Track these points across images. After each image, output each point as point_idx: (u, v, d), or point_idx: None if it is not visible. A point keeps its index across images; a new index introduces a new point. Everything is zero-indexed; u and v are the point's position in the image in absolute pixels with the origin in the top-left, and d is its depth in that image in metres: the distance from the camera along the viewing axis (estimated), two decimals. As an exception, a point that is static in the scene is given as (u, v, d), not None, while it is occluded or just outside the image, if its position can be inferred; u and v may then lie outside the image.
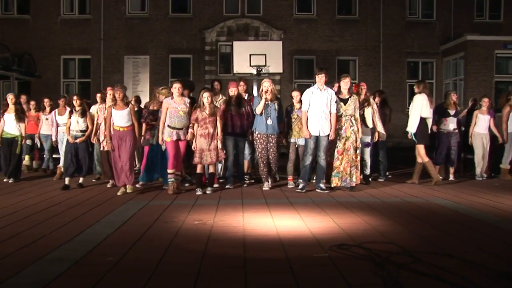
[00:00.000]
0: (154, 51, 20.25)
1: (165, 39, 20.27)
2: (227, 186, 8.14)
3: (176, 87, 7.65)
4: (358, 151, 7.93)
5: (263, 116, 7.97)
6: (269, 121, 7.95)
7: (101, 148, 8.41)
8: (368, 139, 8.38)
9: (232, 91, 8.21)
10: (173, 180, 7.68)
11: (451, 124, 9.26)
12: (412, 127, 8.64)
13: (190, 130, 7.68)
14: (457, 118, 9.38)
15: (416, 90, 8.89)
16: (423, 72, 21.34)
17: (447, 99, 9.41)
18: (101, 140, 8.41)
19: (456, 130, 9.33)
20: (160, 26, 20.24)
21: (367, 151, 8.44)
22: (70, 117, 8.55)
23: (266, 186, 8.10)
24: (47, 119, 10.21)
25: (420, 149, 8.71)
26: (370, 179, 8.69)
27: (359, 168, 8.00)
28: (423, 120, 8.61)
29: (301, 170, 7.99)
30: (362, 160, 8.36)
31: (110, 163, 8.14)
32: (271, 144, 8.03)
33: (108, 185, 8.44)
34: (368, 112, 8.29)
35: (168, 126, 7.62)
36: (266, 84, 7.99)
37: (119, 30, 20.21)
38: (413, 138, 8.69)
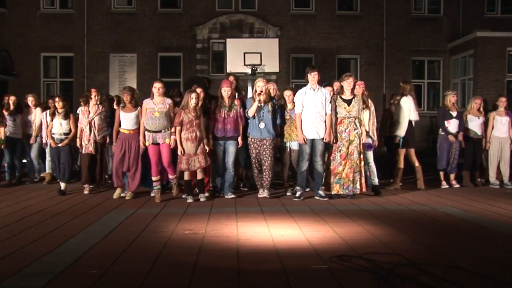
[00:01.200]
0: (142, 49, 20.23)
1: (154, 36, 20.26)
2: (228, 195, 7.97)
3: (157, 87, 7.69)
4: (362, 156, 7.94)
5: (255, 120, 7.94)
6: (262, 125, 7.90)
7: (82, 151, 8.43)
8: (369, 140, 8.26)
9: (226, 91, 8.04)
10: (159, 188, 7.68)
11: (453, 126, 9.34)
12: (402, 131, 8.80)
13: (173, 137, 7.64)
14: (459, 120, 9.43)
15: (401, 91, 8.99)
16: (429, 71, 21.39)
17: (445, 101, 9.50)
18: (83, 144, 8.42)
19: (459, 133, 9.39)
20: (148, 22, 20.24)
21: (370, 154, 8.34)
22: (52, 120, 8.62)
23: (261, 193, 8.05)
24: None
25: (412, 153, 8.95)
26: (380, 190, 8.41)
27: (363, 174, 7.99)
28: (410, 123, 8.84)
29: (298, 176, 8.00)
30: (366, 165, 8.31)
31: (90, 167, 8.38)
32: (264, 148, 7.95)
33: (85, 191, 8.50)
34: (366, 115, 8.20)
35: (146, 129, 7.67)
36: (260, 84, 7.96)
37: (104, 26, 20.19)
38: (400, 142, 8.87)
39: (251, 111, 7.93)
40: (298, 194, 7.89)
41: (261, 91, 7.90)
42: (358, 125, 7.90)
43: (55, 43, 20.10)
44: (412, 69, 21.16)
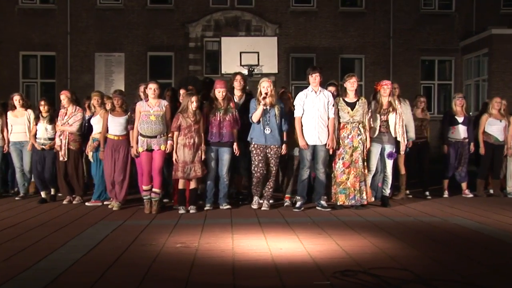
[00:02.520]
0: (130, 47, 20.25)
1: (143, 34, 20.28)
2: (206, 207, 7.91)
3: (152, 88, 7.65)
4: (366, 163, 7.96)
5: (260, 124, 7.73)
6: (267, 130, 7.71)
7: (60, 159, 8.46)
8: (391, 148, 8.14)
9: (220, 92, 7.90)
10: (149, 198, 7.68)
11: (460, 132, 9.37)
12: (413, 133, 8.87)
13: (169, 142, 7.64)
14: (467, 126, 9.45)
15: (396, 92, 9.01)
16: (439, 72, 21.43)
17: (452, 105, 9.54)
18: (60, 150, 8.47)
19: (467, 140, 9.42)
20: (136, 19, 20.27)
21: (390, 163, 8.20)
22: (36, 124, 8.75)
23: (254, 204, 7.93)
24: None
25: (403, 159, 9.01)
26: (389, 201, 8.36)
27: (368, 183, 8.00)
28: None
29: (298, 185, 7.99)
30: (384, 175, 8.26)
31: (67, 177, 8.47)
32: (270, 156, 7.78)
33: (64, 202, 8.55)
34: (392, 118, 8.08)
35: (140, 134, 7.63)
36: (265, 85, 7.71)
37: (89, 23, 20.20)
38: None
39: (255, 116, 7.70)
40: (298, 204, 7.88)
41: (267, 93, 7.66)
42: (362, 130, 7.89)
43: (35, 41, 20.10)
44: (421, 70, 21.20)
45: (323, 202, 7.89)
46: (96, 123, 8.42)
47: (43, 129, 8.64)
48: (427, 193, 9.27)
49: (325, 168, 7.90)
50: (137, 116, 7.67)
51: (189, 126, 7.60)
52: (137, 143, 7.66)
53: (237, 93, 8.46)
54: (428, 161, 9.49)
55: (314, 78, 7.83)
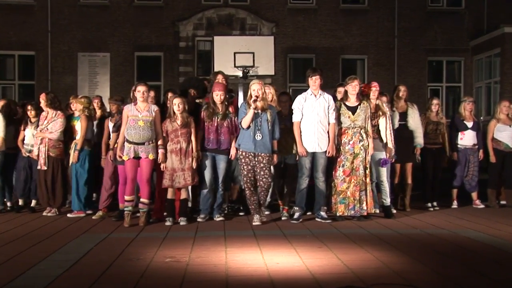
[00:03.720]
0: (116, 47, 20.26)
1: (130, 33, 20.29)
2: (199, 219, 7.88)
3: (141, 91, 7.64)
4: (368, 171, 7.97)
5: (250, 130, 7.65)
6: (258, 136, 7.60)
7: (38, 167, 8.47)
8: (383, 155, 8.25)
9: (218, 95, 7.84)
10: (130, 210, 7.66)
11: (469, 138, 9.42)
12: (421, 139, 8.95)
13: (160, 151, 7.63)
14: (477, 132, 9.50)
15: (403, 95, 9.06)
16: (448, 73, 21.46)
17: (460, 109, 9.60)
18: (36, 156, 8.49)
19: (476, 146, 9.47)
20: (123, 17, 20.28)
21: (384, 171, 8.31)
22: (24, 129, 8.84)
23: (257, 220, 7.67)
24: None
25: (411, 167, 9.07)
26: (393, 211, 8.43)
27: (370, 192, 8.03)
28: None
29: (296, 195, 8.00)
30: (379, 184, 8.34)
31: (47, 185, 8.47)
32: (261, 166, 7.63)
33: (45, 213, 8.56)
34: (382, 122, 8.22)
35: (126, 140, 7.63)
36: (256, 87, 7.59)
37: (72, 20, 20.18)
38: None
39: (245, 121, 7.59)
40: (296, 215, 7.89)
41: (257, 96, 7.61)
42: (364, 136, 7.92)
43: (13, 40, 20.06)
44: (428, 71, 21.24)
45: (323, 213, 7.90)
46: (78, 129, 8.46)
47: (31, 135, 8.73)
48: (429, 204, 9.25)
49: (325, 176, 7.90)
50: (124, 120, 7.66)
51: (175, 131, 7.62)
52: (121, 149, 7.66)
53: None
54: (441, 169, 9.45)
55: (314, 81, 7.84)
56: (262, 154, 7.65)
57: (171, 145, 7.65)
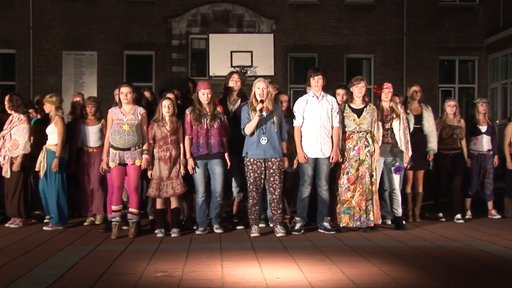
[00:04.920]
0: (104, 45, 20.26)
1: (119, 30, 20.30)
2: (198, 232, 7.79)
3: (124, 92, 7.63)
4: (374, 179, 7.97)
5: (255, 134, 7.59)
6: (264, 140, 7.55)
7: (3, 173, 8.50)
8: (398, 161, 8.21)
9: (204, 94, 7.74)
10: (118, 220, 7.65)
11: (484, 143, 9.42)
12: (435, 144, 8.91)
13: (144, 156, 7.60)
14: (492, 136, 9.51)
15: (418, 97, 9.05)
16: (461, 73, 21.46)
17: (474, 112, 9.61)
18: (0, 162, 8.50)
19: (491, 152, 9.48)
20: (111, 13, 20.29)
21: (397, 179, 8.29)
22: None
23: (255, 231, 7.66)
24: None
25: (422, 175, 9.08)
26: (403, 222, 8.38)
27: (377, 201, 8.03)
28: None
29: (297, 204, 7.99)
30: (390, 192, 8.33)
31: (10, 194, 8.44)
32: (271, 171, 7.61)
33: (11, 225, 8.48)
34: (396, 125, 8.18)
35: (111, 146, 7.63)
36: (261, 86, 7.55)
37: (56, 16, 20.19)
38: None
39: (249, 128, 7.55)
40: (298, 226, 7.88)
41: (262, 99, 7.50)
42: (370, 141, 7.93)
43: (-8, 37, 20.05)
44: (440, 71, 21.25)
45: (326, 224, 7.90)
46: (51, 133, 8.39)
47: None
48: (441, 214, 9.24)
49: (328, 184, 7.91)
50: (109, 125, 7.67)
51: (164, 137, 7.60)
52: (107, 156, 7.68)
53: (233, 96, 8.35)
54: (461, 177, 9.31)
55: (317, 81, 7.84)
56: (273, 159, 7.62)
57: (159, 152, 7.62)
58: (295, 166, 8.03)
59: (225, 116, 7.90)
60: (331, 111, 7.84)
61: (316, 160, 7.83)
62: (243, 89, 8.57)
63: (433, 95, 20.41)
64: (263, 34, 17.29)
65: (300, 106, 7.88)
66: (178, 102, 8.36)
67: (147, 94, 8.53)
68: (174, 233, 7.65)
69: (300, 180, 7.96)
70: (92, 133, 8.47)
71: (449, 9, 21.06)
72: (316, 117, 7.81)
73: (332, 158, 7.80)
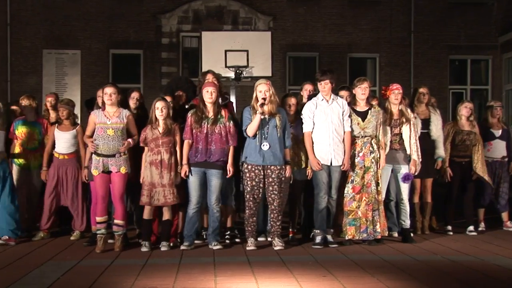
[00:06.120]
0: (88, 43, 20.24)
1: (104, 27, 20.29)
2: (183, 247, 7.65)
3: (108, 93, 7.62)
4: (380, 187, 7.98)
5: (256, 139, 7.59)
6: (265, 146, 7.53)
7: None
8: (406, 169, 8.22)
9: (209, 92, 7.65)
10: (103, 233, 7.64)
11: (498, 149, 9.44)
12: (443, 150, 8.91)
13: (129, 140, 7.55)
14: (507, 142, 9.52)
15: (425, 99, 9.04)
16: (473, 73, 21.44)
17: (487, 115, 9.62)
18: None
19: (506, 159, 9.50)
20: (96, 8, 20.29)
21: (405, 188, 8.30)
22: None
23: (251, 244, 7.67)
24: None
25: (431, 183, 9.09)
26: (411, 234, 8.38)
27: (383, 212, 8.04)
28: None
29: (315, 216, 7.92)
30: (398, 202, 8.34)
31: None
32: (270, 180, 7.59)
33: None
34: (406, 130, 8.20)
35: (94, 152, 7.59)
36: (263, 88, 7.56)
37: (36, 12, 20.17)
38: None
39: (251, 129, 7.55)
40: (318, 239, 7.82)
41: (265, 99, 7.52)
42: (375, 146, 7.94)
43: (-34, 35, 20.05)
44: (450, 72, 21.25)
45: (329, 237, 7.90)
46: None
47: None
48: (449, 227, 9.16)
49: (337, 194, 7.90)
50: (90, 128, 7.65)
51: (155, 139, 7.58)
52: (88, 162, 7.69)
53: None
54: (474, 186, 9.29)
55: (323, 86, 7.84)
56: (272, 167, 7.60)
57: (150, 155, 7.61)
58: (309, 176, 8.00)
59: (230, 122, 7.78)
60: (343, 115, 7.84)
61: (328, 168, 7.83)
62: (221, 88, 8.47)
63: (443, 98, 20.35)
64: (260, 32, 17.27)
65: (309, 111, 7.88)
66: (183, 104, 8.40)
67: (135, 95, 8.40)
68: (164, 246, 7.62)
69: (315, 189, 7.91)
70: (64, 138, 8.36)
71: (460, 5, 21.00)
72: (327, 122, 7.80)
73: (343, 165, 7.80)
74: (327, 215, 7.91)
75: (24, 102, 8.90)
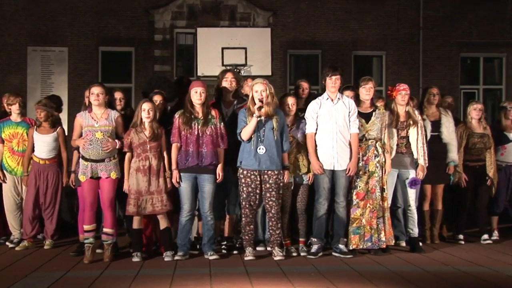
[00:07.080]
0: (76, 40, 20.25)
1: (93, 23, 20.30)
2: (176, 257, 7.59)
3: (95, 93, 7.62)
4: (386, 193, 7.98)
5: (252, 142, 7.58)
6: (261, 149, 7.50)
7: None
8: (413, 173, 8.25)
9: (197, 92, 7.62)
10: (91, 242, 7.61)
11: (511, 153, 9.43)
12: (455, 154, 8.86)
13: (116, 140, 7.54)
14: None
15: (436, 100, 9.02)
16: (485, 72, 21.45)
17: (501, 117, 9.62)
18: None
19: None
20: (84, 3, 20.29)
21: (413, 194, 8.33)
22: None
23: (249, 254, 7.65)
24: None
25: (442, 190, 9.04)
26: (420, 244, 8.38)
27: (389, 219, 8.03)
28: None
29: (314, 223, 7.94)
30: (405, 210, 8.36)
31: None
32: (267, 186, 7.59)
33: None
34: (413, 133, 8.24)
35: (81, 157, 7.60)
36: (259, 88, 7.53)
37: (19, 6, 20.17)
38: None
39: (246, 132, 7.53)
40: (314, 249, 7.82)
41: (261, 100, 7.47)
42: (379, 150, 7.94)
43: None
44: (461, 71, 21.26)
45: (342, 247, 7.83)
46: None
47: None
48: (461, 236, 9.14)
49: (346, 200, 7.88)
50: (76, 132, 7.67)
51: (142, 144, 7.54)
52: (74, 167, 7.70)
53: (227, 98, 8.24)
54: (487, 193, 9.29)
55: (334, 82, 7.81)
56: (269, 172, 7.58)
57: (137, 161, 7.55)
58: (310, 181, 8.01)
59: (221, 123, 7.76)
60: (349, 116, 7.82)
61: (332, 173, 7.83)
62: (238, 89, 8.52)
63: (454, 98, 20.06)
64: (259, 28, 17.31)
65: (312, 111, 7.88)
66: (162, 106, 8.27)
67: (118, 95, 8.31)
68: (167, 256, 7.57)
69: (315, 194, 7.92)
70: (44, 142, 8.36)
71: (472, 0, 21.08)
72: (331, 123, 7.80)
73: (349, 170, 7.78)
74: (341, 222, 7.88)
75: (9, 101, 8.89)
